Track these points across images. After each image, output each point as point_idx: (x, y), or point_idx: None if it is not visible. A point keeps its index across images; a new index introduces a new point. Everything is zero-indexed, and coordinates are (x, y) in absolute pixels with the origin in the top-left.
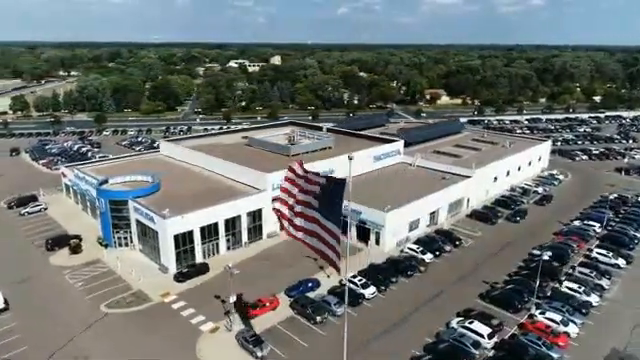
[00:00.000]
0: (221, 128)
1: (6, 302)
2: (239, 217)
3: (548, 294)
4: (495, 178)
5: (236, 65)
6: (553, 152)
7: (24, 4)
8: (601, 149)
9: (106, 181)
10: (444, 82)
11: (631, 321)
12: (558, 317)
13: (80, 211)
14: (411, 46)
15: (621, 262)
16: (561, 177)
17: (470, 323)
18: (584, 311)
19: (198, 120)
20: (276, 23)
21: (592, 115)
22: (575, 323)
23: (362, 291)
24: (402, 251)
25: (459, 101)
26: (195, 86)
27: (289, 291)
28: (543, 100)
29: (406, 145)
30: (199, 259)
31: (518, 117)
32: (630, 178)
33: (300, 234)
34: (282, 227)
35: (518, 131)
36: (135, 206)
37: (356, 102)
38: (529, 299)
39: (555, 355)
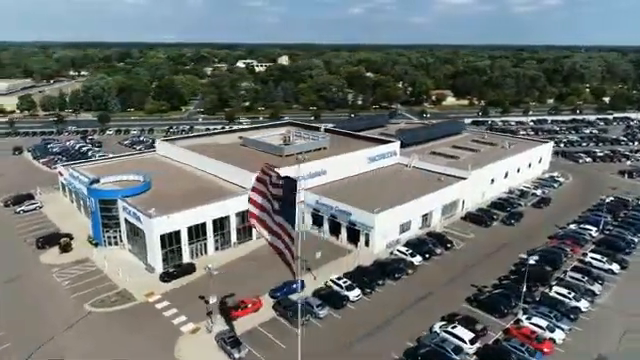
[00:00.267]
0: (223, 128)
1: None
2: (228, 217)
3: (537, 299)
4: (492, 180)
5: (243, 65)
6: (556, 154)
7: (39, 5)
8: (606, 151)
9: (97, 180)
10: (451, 83)
11: (621, 328)
12: (544, 323)
13: (75, 210)
14: (423, 46)
15: (615, 267)
16: (562, 179)
17: (453, 328)
18: (572, 317)
19: (200, 120)
20: (287, 23)
21: (600, 116)
22: (562, 329)
23: (346, 293)
24: (392, 253)
25: (465, 102)
26: (199, 86)
27: (273, 292)
28: (551, 101)
29: (404, 146)
30: (186, 259)
31: (523, 118)
32: (633, 181)
33: (266, 233)
34: (251, 225)
35: (522, 132)
36: (124, 205)
37: (360, 102)
38: (516, 304)
39: None
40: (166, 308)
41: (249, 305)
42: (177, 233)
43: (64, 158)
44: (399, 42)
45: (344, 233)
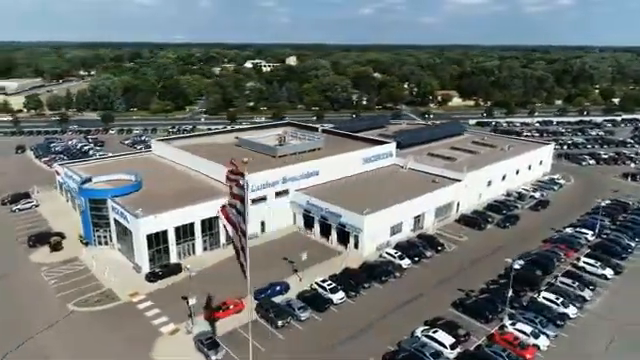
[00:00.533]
0: (225, 127)
1: None
2: (217, 218)
3: (524, 304)
4: (489, 182)
5: (251, 65)
6: (559, 156)
7: (53, 6)
8: (611, 153)
9: (89, 180)
10: (457, 83)
11: (609, 335)
12: (529, 329)
13: (70, 209)
14: (434, 47)
15: (609, 272)
16: (562, 182)
17: (434, 332)
18: (559, 323)
19: (203, 120)
20: (298, 24)
21: (607, 118)
22: (547, 335)
23: (330, 296)
24: (381, 256)
25: (471, 103)
26: (204, 86)
27: (258, 293)
28: (559, 102)
29: (402, 147)
30: (174, 259)
31: (529, 119)
32: (637, 184)
33: (231, 229)
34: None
35: (527, 134)
36: (113, 205)
37: (365, 103)
38: (502, 309)
39: None
40: (148, 308)
41: (231, 306)
42: (164, 233)
43: (65, 157)
44: (410, 42)
45: (334, 235)
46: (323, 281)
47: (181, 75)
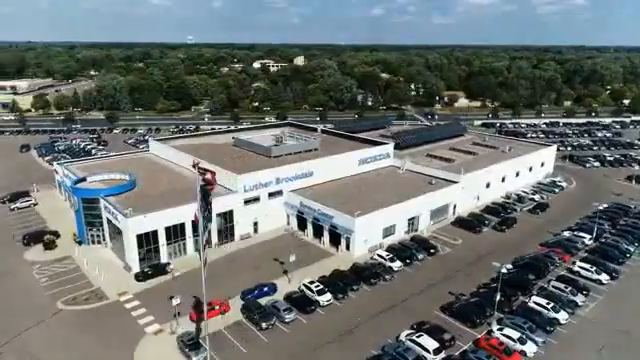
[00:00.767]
0: (228, 127)
1: None
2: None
3: (514, 309)
4: (487, 184)
5: (259, 65)
6: (564, 158)
7: (69, 8)
8: (617, 155)
9: (84, 179)
10: (465, 84)
11: (599, 342)
12: (516, 334)
13: (68, 208)
14: (446, 47)
15: (604, 277)
16: (564, 184)
17: (418, 337)
18: (549, 329)
19: (206, 120)
20: (311, 24)
21: (616, 119)
22: (535, 341)
23: (317, 298)
24: (372, 258)
25: (478, 103)
26: (210, 86)
27: (245, 294)
28: (568, 103)
29: (401, 148)
30: (164, 259)
31: (536, 121)
32: None
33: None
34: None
35: (533, 135)
36: (104, 204)
37: (370, 103)
38: (491, 313)
39: None
40: (135, 308)
41: (216, 307)
42: (155, 233)
43: (68, 156)
44: (422, 42)
45: (326, 236)
46: (310, 282)
47: (188, 75)
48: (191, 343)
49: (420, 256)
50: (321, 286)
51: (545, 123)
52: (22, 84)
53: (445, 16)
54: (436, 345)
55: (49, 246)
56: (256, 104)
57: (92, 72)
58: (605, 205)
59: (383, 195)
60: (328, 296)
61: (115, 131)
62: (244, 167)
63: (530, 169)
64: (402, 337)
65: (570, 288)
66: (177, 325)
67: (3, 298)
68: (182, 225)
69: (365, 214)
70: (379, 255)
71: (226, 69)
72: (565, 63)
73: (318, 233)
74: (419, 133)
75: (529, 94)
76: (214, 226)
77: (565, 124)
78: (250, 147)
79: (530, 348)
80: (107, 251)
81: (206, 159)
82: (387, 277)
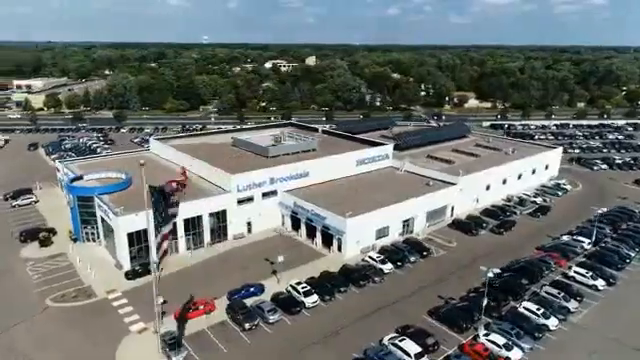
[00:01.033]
0: (234, 127)
1: None
2: (200, 217)
3: (503, 314)
4: (487, 186)
5: (270, 65)
6: (571, 160)
7: (89, 8)
8: (627, 158)
9: (81, 177)
10: (476, 85)
11: (590, 349)
12: (502, 340)
13: (67, 205)
14: (461, 47)
15: (600, 283)
16: (568, 187)
17: (401, 341)
18: (537, 335)
19: (213, 119)
20: (325, 24)
21: (630, 121)
22: (521, 348)
23: (303, 299)
24: (363, 260)
25: (488, 104)
26: (219, 86)
27: (231, 294)
28: (582, 104)
29: (402, 149)
30: (156, 258)
31: (546, 122)
32: None
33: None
34: None
35: (542, 137)
36: (98, 202)
37: (378, 104)
38: (479, 318)
39: None
40: (122, 306)
41: (200, 307)
42: (146, 231)
43: (74, 154)
44: (437, 42)
45: (319, 237)
46: (297, 283)
47: (198, 75)
48: (172, 342)
49: (412, 258)
50: (308, 287)
51: (555, 125)
52: (37, 83)
53: (461, 16)
54: (418, 349)
55: (45, 243)
56: (264, 104)
57: (106, 72)
58: (604, 209)
59: (379, 196)
60: (314, 297)
61: (123, 130)
62: (239, 167)
63: (533, 171)
64: (385, 341)
65: (563, 294)
66: (161, 324)
67: None
68: (174, 224)
69: (357, 215)
70: (370, 257)
71: (238, 69)
72: (581, 63)
73: (311, 234)
74: (421, 134)
75: (541, 95)
76: (207, 225)
77: (575, 126)
78: (248, 147)
79: (515, 355)
80: (101, 249)
81: (204, 159)
82: (377, 279)
